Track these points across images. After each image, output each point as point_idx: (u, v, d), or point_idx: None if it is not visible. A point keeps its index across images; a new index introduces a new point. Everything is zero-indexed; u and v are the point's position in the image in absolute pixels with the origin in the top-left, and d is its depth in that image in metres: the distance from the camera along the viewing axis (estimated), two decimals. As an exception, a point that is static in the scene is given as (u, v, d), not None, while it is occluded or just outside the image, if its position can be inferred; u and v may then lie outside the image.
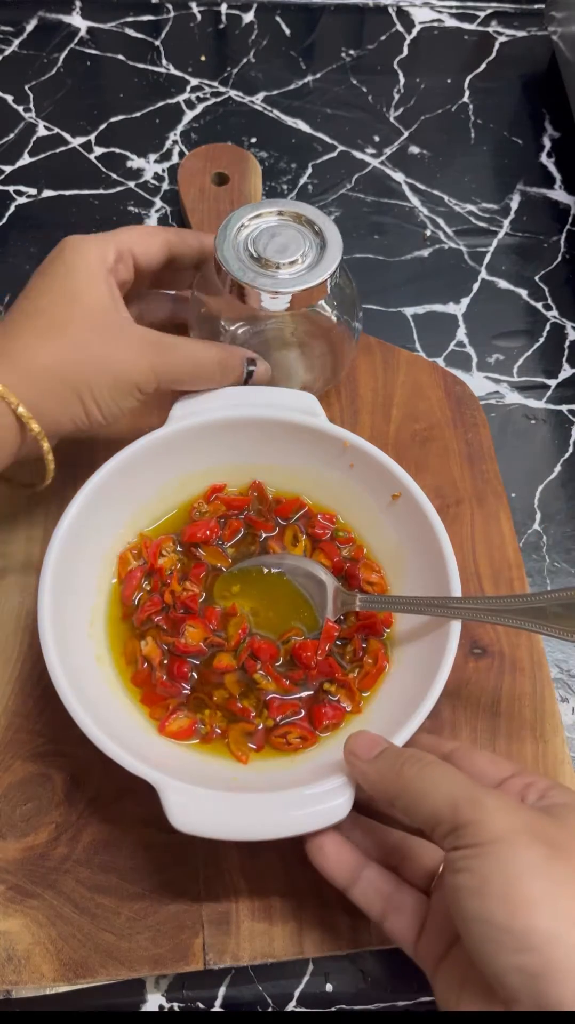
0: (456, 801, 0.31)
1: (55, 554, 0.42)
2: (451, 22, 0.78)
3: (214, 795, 0.38)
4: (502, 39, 0.77)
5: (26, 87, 0.71)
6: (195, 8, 0.76)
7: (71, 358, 0.41)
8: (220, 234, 0.46)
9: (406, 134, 0.71)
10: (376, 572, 0.47)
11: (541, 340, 0.62)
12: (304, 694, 0.44)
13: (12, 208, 0.65)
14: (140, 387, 0.43)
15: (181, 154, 0.68)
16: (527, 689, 0.47)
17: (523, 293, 0.64)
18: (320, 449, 0.48)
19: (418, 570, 0.45)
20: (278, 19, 0.77)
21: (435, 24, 0.78)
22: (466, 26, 0.78)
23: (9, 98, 0.70)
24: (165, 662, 0.44)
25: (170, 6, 0.76)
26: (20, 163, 0.67)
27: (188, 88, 0.72)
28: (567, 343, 0.62)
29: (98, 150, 0.68)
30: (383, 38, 0.76)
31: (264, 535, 0.49)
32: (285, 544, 0.48)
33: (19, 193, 0.66)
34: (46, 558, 0.42)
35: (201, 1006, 0.41)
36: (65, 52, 0.73)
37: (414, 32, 0.77)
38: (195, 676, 0.44)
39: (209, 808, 0.37)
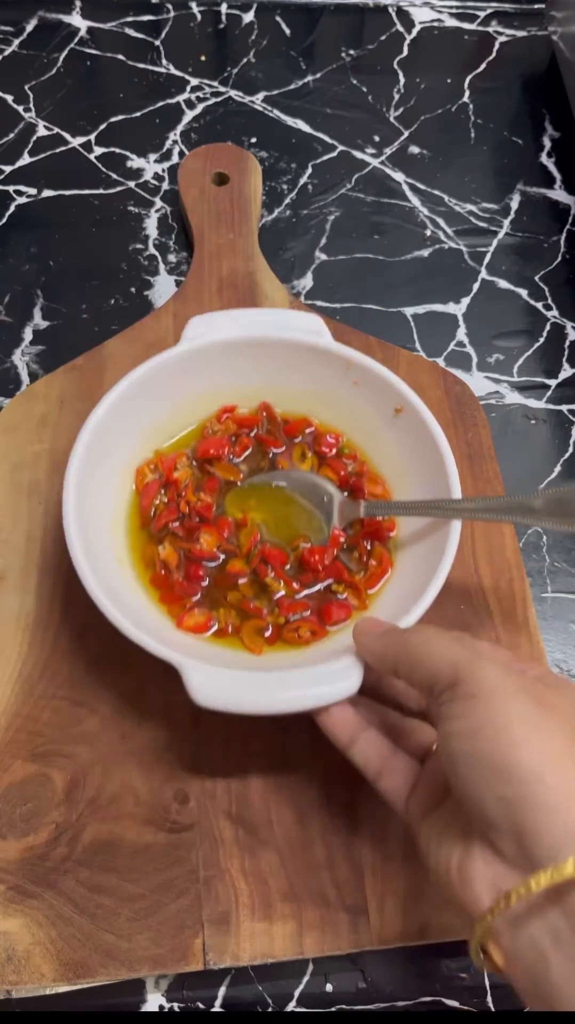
0: (456, 660, 0.33)
1: (77, 463, 0.44)
2: (451, 22, 0.78)
3: (233, 674, 0.40)
4: (502, 39, 0.77)
5: (26, 87, 0.71)
6: (195, 8, 0.76)
7: None
8: None
9: (406, 134, 0.71)
10: (380, 485, 0.49)
11: (541, 340, 0.62)
12: (313, 591, 0.46)
13: (12, 208, 0.65)
14: None
15: (181, 154, 0.68)
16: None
17: (523, 293, 0.64)
18: (326, 367, 0.50)
19: (420, 479, 0.47)
20: (278, 19, 0.77)
21: (435, 24, 0.78)
22: (466, 26, 0.78)
23: (9, 98, 0.70)
24: (182, 566, 0.47)
25: (170, 6, 0.76)
26: (20, 163, 0.67)
27: (188, 88, 0.72)
28: (567, 343, 0.62)
29: (98, 150, 0.68)
30: (383, 38, 0.76)
31: (273, 452, 0.51)
32: (293, 460, 0.51)
33: (19, 193, 0.66)
34: (68, 468, 0.44)
35: (201, 1006, 0.41)
36: (65, 52, 0.73)
37: (414, 32, 0.77)
38: (210, 580, 0.47)
39: (229, 685, 0.39)
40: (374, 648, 0.38)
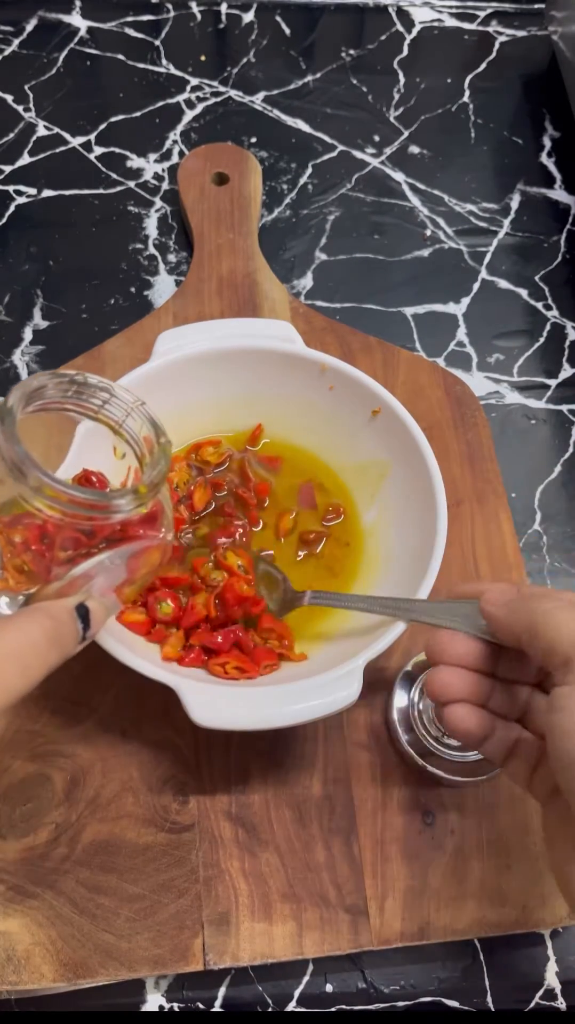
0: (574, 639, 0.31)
1: None
2: (451, 22, 0.78)
3: (230, 691, 0.39)
4: (502, 39, 0.77)
5: (26, 87, 0.71)
6: (195, 8, 0.76)
7: None
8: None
9: (406, 134, 0.71)
10: (346, 543, 0.48)
11: (541, 340, 0.62)
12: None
13: (12, 208, 0.65)
14: None
15: (181, 154, 0.68)
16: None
17: (523, 293, 0.64)
18: (300, 373, 0.49)
19: (402, 480, 0.47)
20: (278, 19, 0.77)
21: (435, 24, 0.77)
22: (466, 26, 0.78)
23: (9, 98, 0.70)
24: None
25: (170, 6, 0.76)
26: (20, 163, 0.67)
27: (188, 88, 0.72)
28: (567, 343, 0.62)
29: (98, 150, 0.68)
30: (383, 38, 0.76)
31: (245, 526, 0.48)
32: (281, 525, 0.49)
33: (19, 193, 0.66)
34: None
35: (201, 1006, 0.41)
36: (65, 52, 0.73)
37: (414, 32, 0.77)
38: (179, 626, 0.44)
39: (227, 703, 0.39)
40: (499, 616, 0.35)
